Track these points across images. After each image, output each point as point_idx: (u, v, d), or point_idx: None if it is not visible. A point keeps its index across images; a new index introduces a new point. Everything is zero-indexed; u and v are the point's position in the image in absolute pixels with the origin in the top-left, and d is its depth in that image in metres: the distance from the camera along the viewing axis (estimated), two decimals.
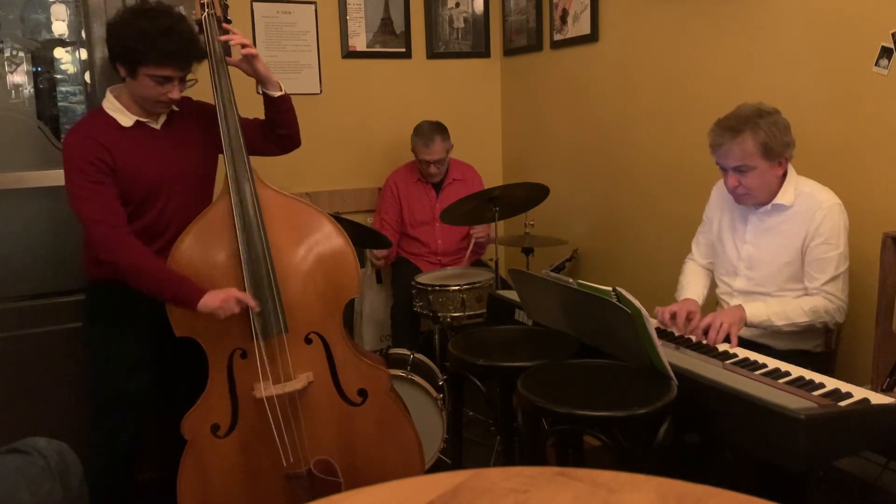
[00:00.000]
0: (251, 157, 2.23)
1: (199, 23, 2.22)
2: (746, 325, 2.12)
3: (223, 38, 2.23)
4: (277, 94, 2.31)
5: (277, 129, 2.37)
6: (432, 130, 3.52)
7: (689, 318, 2.17)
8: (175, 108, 2.27)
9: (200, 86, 2.27)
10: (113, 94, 2.20)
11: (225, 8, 2.27)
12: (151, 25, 2.04)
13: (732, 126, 2.10)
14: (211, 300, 2.07)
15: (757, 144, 2.08)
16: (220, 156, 2.28)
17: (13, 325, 2.56)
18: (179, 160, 2.25)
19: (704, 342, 2.08)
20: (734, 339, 2.06)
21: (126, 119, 2.18)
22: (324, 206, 3.57)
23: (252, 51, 2.25)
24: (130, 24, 2.05)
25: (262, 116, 2.39)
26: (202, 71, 2.24)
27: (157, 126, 2.23)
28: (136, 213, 2.19)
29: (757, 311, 2.13)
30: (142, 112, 2.20)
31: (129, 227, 2.14)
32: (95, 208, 2.08)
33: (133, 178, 2.15)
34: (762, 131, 2.07)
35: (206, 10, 2.21)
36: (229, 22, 2.30)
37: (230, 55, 2.29)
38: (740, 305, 2.15)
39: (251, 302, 2.11)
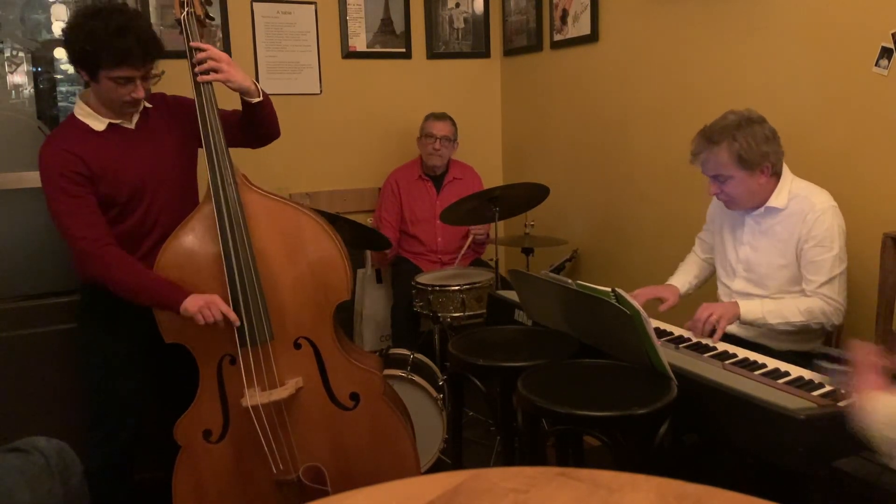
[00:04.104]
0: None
1: (179, 22, 2.15)
2: (740, 322, 2.13)
3: (195, 46, 2.11)
4: (256, 100, 2.22)
5: (258, 128, 2.31)
6: (445, 114, 3.62)
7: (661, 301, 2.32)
8: (148, 105, 2.22)
9: (184, 83, 2.23)
10: (83, 100, 2.16)
11: (206, 6, 2.21)
12: (103, 26, 1.97)
13: (710, 136, 2.13)
14: (191, 304, 2.05)
15: (731, 155, 2.09)
16: (202, 150, 2.22)
17: (13, 325, 2.56)
18: (158, 158, 2.21)
19: (694, 338, 2.11)
20: (718, 334, 2.08)
21: (98, 123, 2.13)
22: (324, 206, 3.58)
23: (216, 77, 2.11)
24: (82, 27, 2.00)
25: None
26: (183, 70, 2.19)
27: (132, 125, 2.19)
28: (121, 215, 2.16)
29: (752, 308, 2.14)
30: (112, 114, 2.15)
31: (113, 232, 2.12)
32: (76, 224, 2.06)
33: (113, 182, 2.12)
34: (737, 143, 2.08)
35: (186, 8, 2.13)
36: (212, 19, 2.26)
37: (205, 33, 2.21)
38: (735, 302, 2.16)
39: (231, 315, 2.07)
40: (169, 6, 3.30)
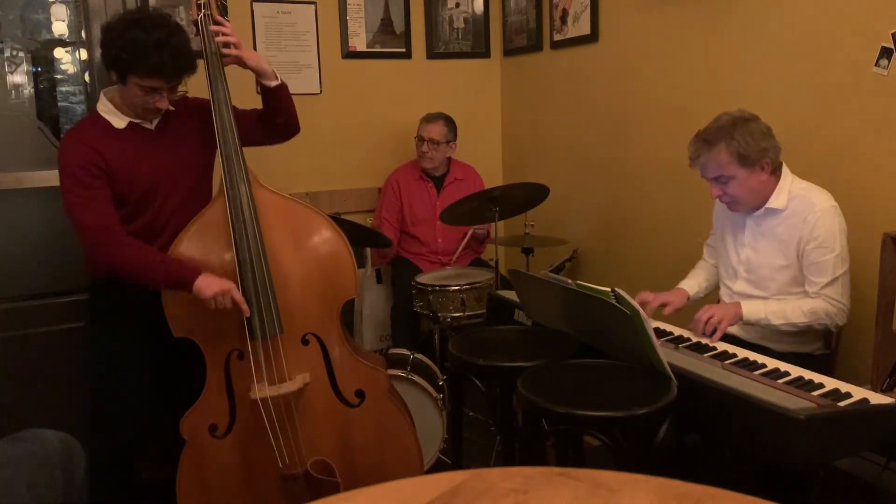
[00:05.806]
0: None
1: (196, 23, 2.20)
2: (743, 322, 2.13)
3: (214, 27, 2.19)
4: (273, 83, 2.29)
5: (276, 117, 2.35)
6: (440, 115, 3.60)
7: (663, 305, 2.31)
8: (170, 108, 2.25)
9: (197, 82, 2.26)
10: (106, 97, 2.20)
11: (222, 8, 2.26)
12: (144, 37, 2.01)
13: (707, 138, 2.13)
14: (206, 288, 2.06)
15: (731, 155, 2.09)
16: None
17: (13, 325, 2.56)
18: (174, 160, 2.25)
19: (694, 338, 2.12)
20: (718, 335, 2.08)
21: (119, 121, 2.18)
22: (324, 206, 3.58)
23: (234, 52, 2.20)
24: (122, 34, 2.04)
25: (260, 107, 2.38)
26: (199, 71, 2.23)
27: (152, 126, 2.23)
28: (133, 213, 2.19)
29: (754, 308, 2.13)
30: (134, 114, 2.20)
31: (124, 227, 2.14)
32: (86, 213, 2.09)
33: (128, 180, 2.15)
34: (735, 141, 2.08)
35: (202, 10, 2.19)
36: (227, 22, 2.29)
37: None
38: (738, 302, 2.16)
39: (244, 306, 2.09)
40: (168, 8, 3.30)
